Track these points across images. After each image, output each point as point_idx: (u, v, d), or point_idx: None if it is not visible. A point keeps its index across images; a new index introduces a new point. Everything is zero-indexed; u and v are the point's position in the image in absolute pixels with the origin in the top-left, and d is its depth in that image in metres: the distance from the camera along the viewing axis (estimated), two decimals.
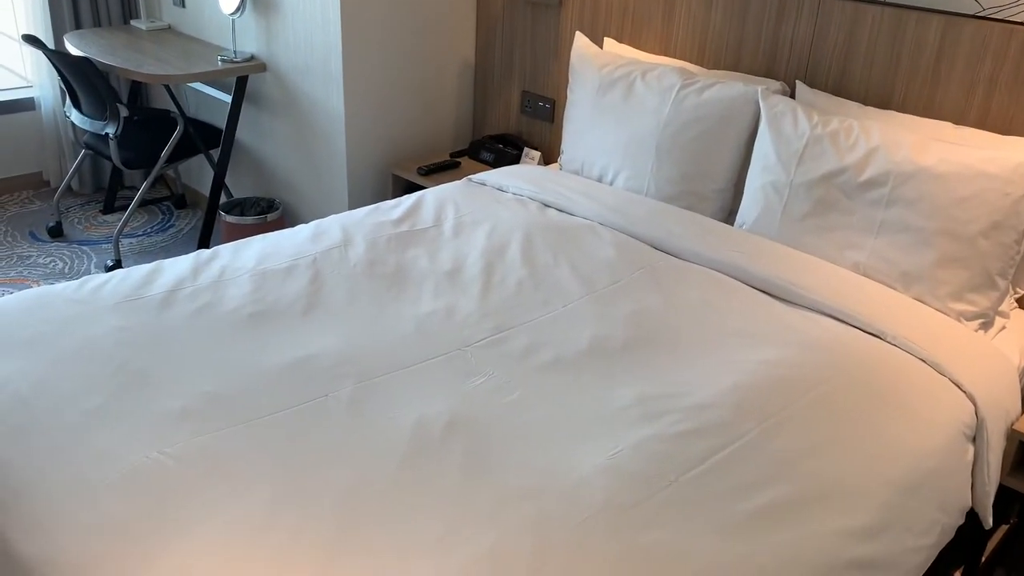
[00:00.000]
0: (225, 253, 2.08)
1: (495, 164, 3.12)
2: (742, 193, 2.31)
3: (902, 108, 2.21)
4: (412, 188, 3.04)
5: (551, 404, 1.58)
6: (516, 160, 3.09)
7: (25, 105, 3.80)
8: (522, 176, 2.61)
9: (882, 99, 2.24)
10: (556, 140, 2.98)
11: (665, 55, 2.66)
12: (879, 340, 1.82)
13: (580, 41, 2.70)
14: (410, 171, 3.07)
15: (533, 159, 3.06)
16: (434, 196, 2.47)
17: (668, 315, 1.90)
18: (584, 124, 2.62)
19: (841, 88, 2.32)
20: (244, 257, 2.06)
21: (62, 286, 1.89)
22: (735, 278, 2.04)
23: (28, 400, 1.52)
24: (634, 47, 2.73)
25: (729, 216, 2.37)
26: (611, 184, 2.55)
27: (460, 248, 2.17)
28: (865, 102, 2.26)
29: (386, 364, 1.67)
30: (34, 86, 3.78)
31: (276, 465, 1.39)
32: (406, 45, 3.05)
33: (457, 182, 2.62)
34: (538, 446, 1.47)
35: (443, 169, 3.09)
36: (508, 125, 3.24)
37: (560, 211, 2.41)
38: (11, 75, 4.23)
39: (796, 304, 1.94)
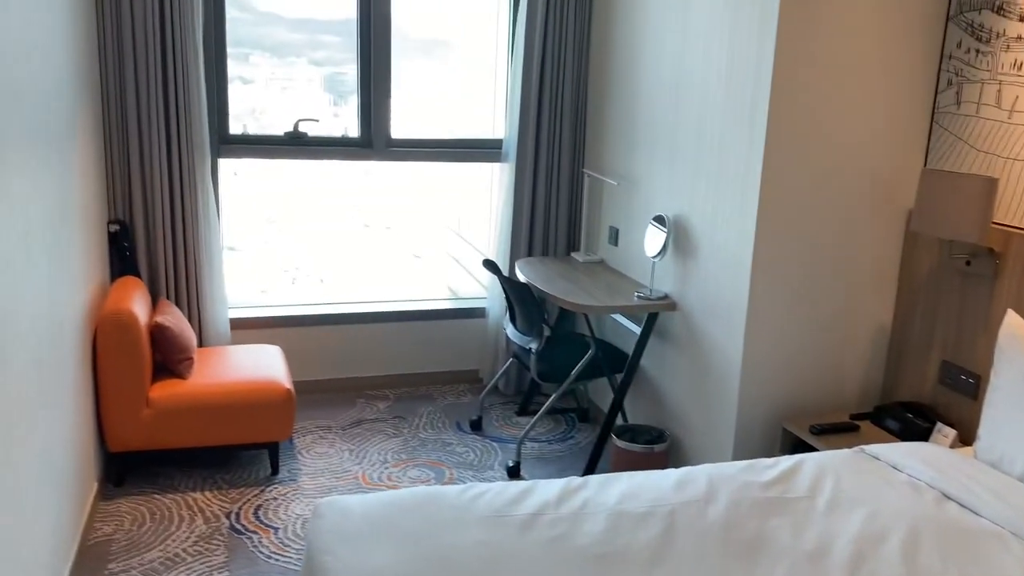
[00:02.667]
0: (592, 485, 2.19)
1: (901, 435, 2.85)
2: None
3: None
4: (801, 445, 2.91)
5: None
6: (926, 435, 2.79)
7: (477, 312, 4.49)
8: (924, 457, 2.36)
9: None
10: (977, 419, 2.64)
11: None
12: None
13: (1012, 320, 2.43)
14: (802, 427, 2.95)
15: (946, 437, 2.75)
16: (815, 463, 2.34)
17: None
18: (1007, 411, 2.31)
19: None
20: (608, 493, 2.14)
21: (450, 488, 2.14)
22: None
23: None
24: None
25: None
26: None
27: (830, 528, 2.00)
28: None
29: None
30: (487, 297, 4.46)
31: None
32: (815, 298, 3.03)
33: (845, 451, 2.46)
34: None
35: (839, 431, 2.91)
36: (922, 394, 2.97)
37: (962, 507, 2.11)
38: (476, 285, 5.06)
39: None
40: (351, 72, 4.29)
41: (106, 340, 3.11)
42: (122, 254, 3.65)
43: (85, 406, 3.00)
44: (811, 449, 2.81)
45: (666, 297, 3.44)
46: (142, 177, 3.66)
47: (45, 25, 2.56)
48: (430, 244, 7.10)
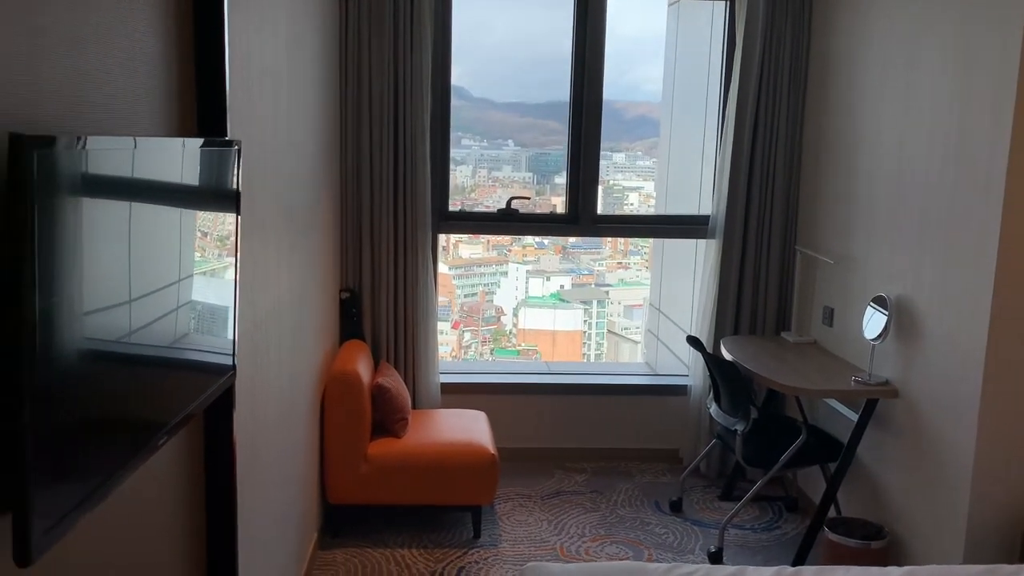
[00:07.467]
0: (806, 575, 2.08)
1: None
2: None
3: None
4: None
5: None
6: None
7: (679, 390, 4.43)
8: None
9: None
10: None
11: None
12: None
13: None
14: None
15: None
16: None
17: None
18: None
19: None
20: None
21: (655, 566, 2.12)
22: None
23: None
24: None
25: None
26: None
27: None
28: None
29: None
30: (690, 375, 4.39)
31: None
32: None
33: None
34: None
35: None
36: None
37: None
38: (678, 363, 5.00)
39: None
40: (555, 152, 4.48)
41: (333, 398, 3.38)
42: (350, 319, 3.96)
43: (312, 458, 3.26)
44: None
45: (887, 383, 3.24)
46: (372, 250, 3.99)
47: (308, 121, 2.90)
48: (631, 320, 7.14)
